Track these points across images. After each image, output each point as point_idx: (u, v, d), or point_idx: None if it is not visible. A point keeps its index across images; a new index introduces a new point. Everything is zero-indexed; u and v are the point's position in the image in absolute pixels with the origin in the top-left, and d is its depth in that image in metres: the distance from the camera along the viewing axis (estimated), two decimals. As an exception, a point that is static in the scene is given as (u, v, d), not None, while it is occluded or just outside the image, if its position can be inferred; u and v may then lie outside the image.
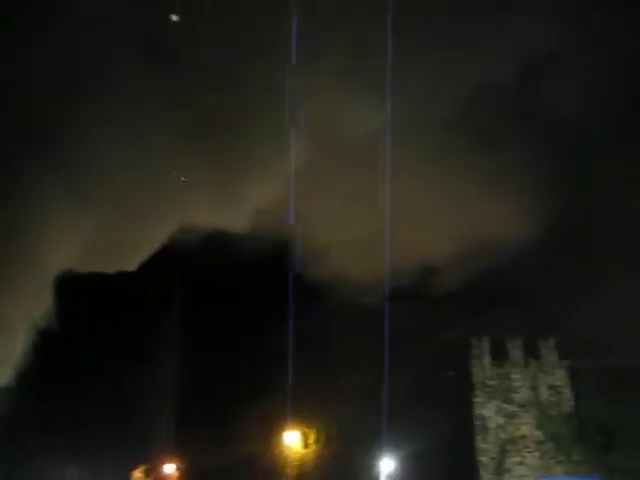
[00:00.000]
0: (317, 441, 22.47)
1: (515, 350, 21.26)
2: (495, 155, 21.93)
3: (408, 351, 21.84)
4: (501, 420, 20.69)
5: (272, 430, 22.97)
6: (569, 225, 21.81)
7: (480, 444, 20.44)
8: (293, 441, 22.38)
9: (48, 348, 22.36)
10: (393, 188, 20.76)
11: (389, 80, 20.19)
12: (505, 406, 20.80)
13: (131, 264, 23.16)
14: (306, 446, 22.63)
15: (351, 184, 22.82)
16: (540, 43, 21.39)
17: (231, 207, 22.14)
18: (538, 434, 20.53)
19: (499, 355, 21.21)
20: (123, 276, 23.23)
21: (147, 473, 25.85)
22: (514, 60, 21.28)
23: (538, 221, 21.61)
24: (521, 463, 20.29)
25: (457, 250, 22.54)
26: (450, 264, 22.79)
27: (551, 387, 21.02)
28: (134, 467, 25.96)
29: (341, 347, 22.92)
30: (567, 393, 20.99)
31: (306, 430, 22.70)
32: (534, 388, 21.01)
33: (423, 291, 23.40)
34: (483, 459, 20.30)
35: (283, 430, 22.80)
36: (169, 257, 23.74)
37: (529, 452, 20.38)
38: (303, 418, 22.45)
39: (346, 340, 22.82)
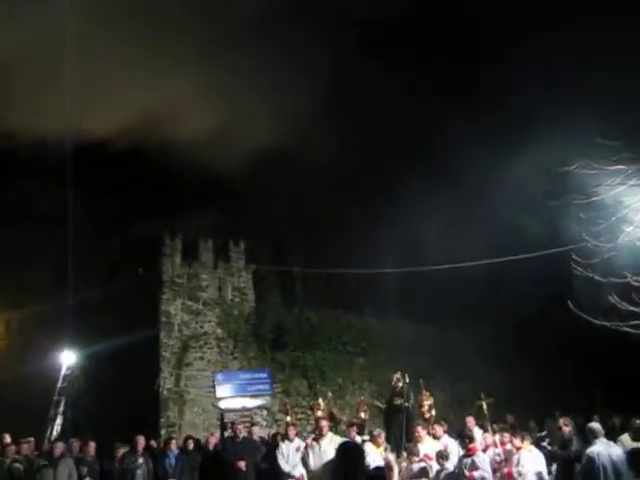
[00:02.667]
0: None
1: (205, 251, 22.03)
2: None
3: (100, 244, 21.41)
4: (186, 317, 21.38)
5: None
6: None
7: (164, 339, 20.87)
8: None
9: None
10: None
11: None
12: (191, 303, 21.52)
13: None
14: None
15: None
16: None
17: None
18: (219, 331, 21.69)
19: (190, 255, 21.80)
20: None
21: None
22: None
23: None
24: (201, 358, 21.23)
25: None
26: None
27: (236, 288, 22.29)
28: None
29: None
30: (250, 294, 22.48)
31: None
32: (220, 289, 22.08)
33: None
34: (165, 354, 20.78)
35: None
36: None
37: (210, 348, 21.42)
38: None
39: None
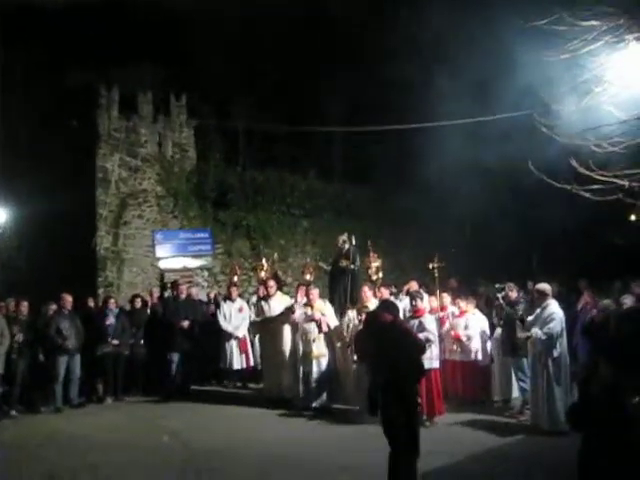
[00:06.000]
0: None
1: (145, 104, 20.74)
2: None
3: (30, 94, 19.90)
4: (124, 173, 20.35)
5: None
6: None
7: (100, 196, 19.93)
8: None
9: None
10: None
11: None
12: (129, 159, 20.45)
13: None
14: None
15: None
16: None
17: None
18: (159, 189, 20.83)
19: (128, 108, 20.50)
20: None
21: None
22: None
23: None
24: (140, 217, 20.43)
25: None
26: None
27: (176, 145, 21.25)
28: None
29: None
30: (191, 152, 21.50)
31: None
32: (160, 145, 21.02)
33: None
34: (102, 212, 19.91)
35: None
36: None
37: (149, 206, 20.57)
38: None
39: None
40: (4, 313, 12.58)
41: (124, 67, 20.45)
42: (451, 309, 12.60)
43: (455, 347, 12.00)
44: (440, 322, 12.24)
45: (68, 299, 13.03)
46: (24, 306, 12.76)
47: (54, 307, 13.17)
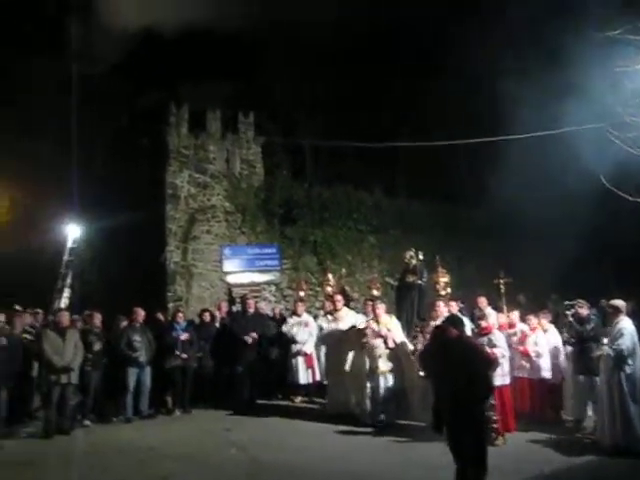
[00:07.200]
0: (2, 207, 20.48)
1: (213, 122, 21.18)
2: None
3: (105, 116, 20.58)
4: (193, 190, 20.82)
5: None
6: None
7: (170, 212, 20.43)
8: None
9: None
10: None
11: None
12: (198, 176, 20.90)
13: None
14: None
15: None
16: None
17: None
18: (227, 205, 21.19)
19: (197, 126, 20.97)
20: None
21: None
22: None
23: None
24: (208, 232, 20.84)
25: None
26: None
27: (245, 161, 21.59)
28: None
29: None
30: (259, 168, 21.81)
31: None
32: (228, 161, 21.39)
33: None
34: (172, 227, 20.39)
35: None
36: None
37: (217, 222, 20.99)
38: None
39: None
40: (79, 326, 12.96)
41: (193, 85, 20.96)
42: (520, 326, 12.34)
43: (524, 363, 11.76)
44: (509, 338, 12.01)
45: (140, 313, 13.35)
46: (97, 319, 13.12)
47: (126, 320, 13.50)
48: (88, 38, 21.88)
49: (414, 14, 23.55)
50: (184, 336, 13.65)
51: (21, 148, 19.92)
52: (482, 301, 13.86)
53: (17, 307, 13.51)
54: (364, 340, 12.03)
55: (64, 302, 19.57)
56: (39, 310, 14.23)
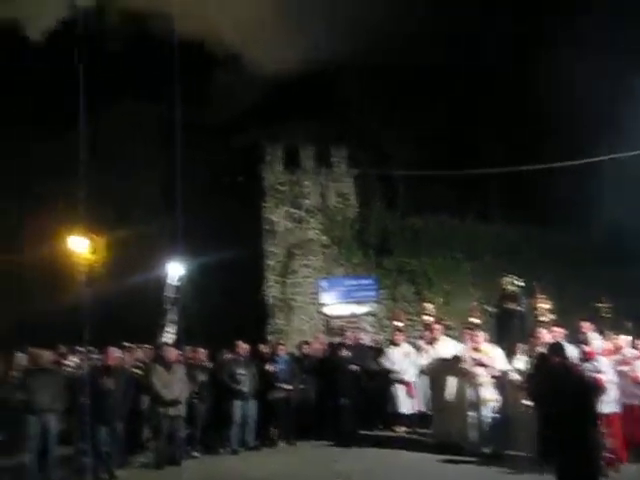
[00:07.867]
0: (106, 246, 21.47)
1: (307, 158, 21.67)
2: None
3: (201, 155, 21.36)
4: (289, 224, 21.32)
5: (57, 235, 21.46)
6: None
7: (268, 248, 20.96)
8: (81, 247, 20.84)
9: None
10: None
11: None
12: (294, 211, 21.40)
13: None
14: (94, 252, 21.50)
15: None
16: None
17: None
18: (323, 238, 21.51)
19: (291, 162, 21.50)
20: None
21: None
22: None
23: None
24: (306, 265, 21.22)
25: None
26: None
27: (339, 194, 21.94)
28: None
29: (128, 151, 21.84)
30: (353, 200, 22.09)
31: (94, 235, 21.50)
32: (323, 195, 21.80)
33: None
34: (270, 262, 20.90)
35: (69, 234, 21.22)
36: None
37: (314, 255, 21.35)
38: (91, 221, 21.17)
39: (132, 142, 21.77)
40: (184, 360, 13.45)
41: (286, 123, 21.50)
42: (628, 350, 11.91)
43: (636, 391, 11.35)
44: (618, 364, 11.63)
45: (242, 346, 13.78)
46: (202, 353, 13.59)
47: (229, 353, 13.90)
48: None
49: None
50: (281, 367, 13.94)
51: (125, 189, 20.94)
52: (586, 326, 13.48)
53: (126, 344, 14.11)
54: (464, 369, 11.97)
55: (170, 337, 20.25)
56: (147, 346, 14.84)
